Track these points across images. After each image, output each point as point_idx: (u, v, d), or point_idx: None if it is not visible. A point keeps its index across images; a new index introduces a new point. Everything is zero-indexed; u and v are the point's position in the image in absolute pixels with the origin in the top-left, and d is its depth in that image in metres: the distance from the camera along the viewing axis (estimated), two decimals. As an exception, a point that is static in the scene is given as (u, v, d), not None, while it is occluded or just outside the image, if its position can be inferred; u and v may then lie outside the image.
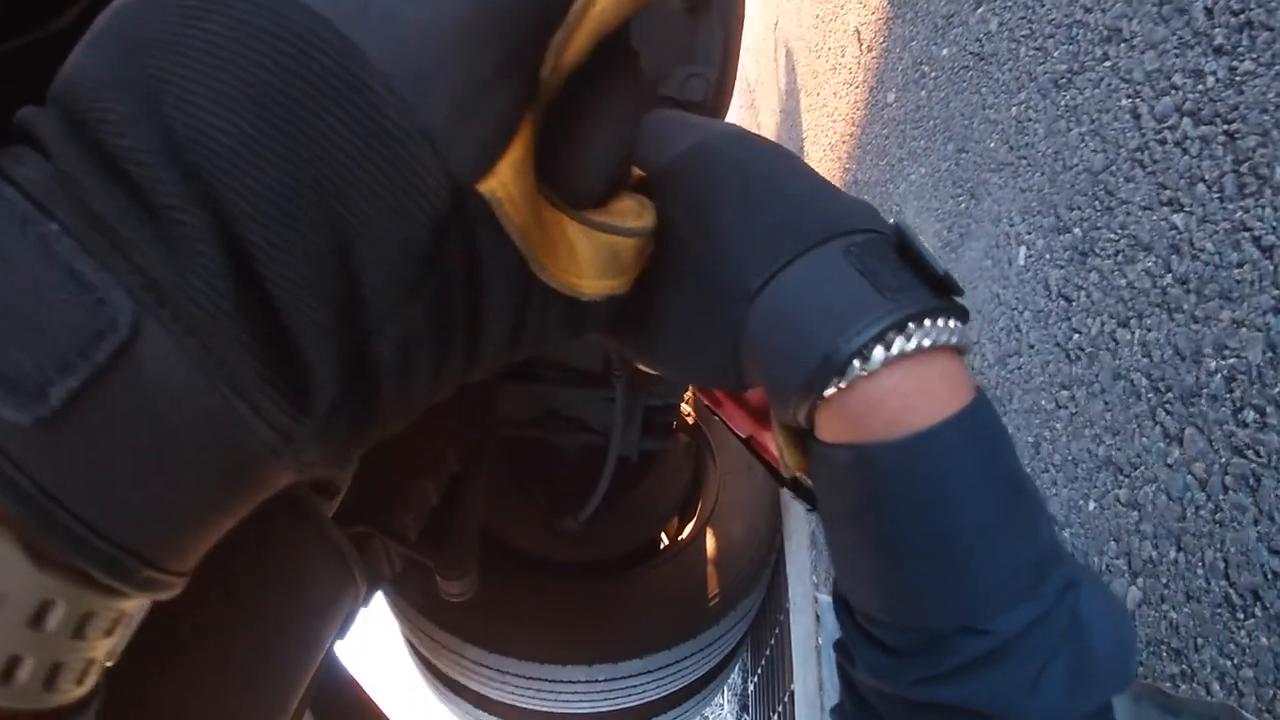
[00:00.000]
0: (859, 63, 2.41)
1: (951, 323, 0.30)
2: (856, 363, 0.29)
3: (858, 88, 2.38)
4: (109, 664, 0.25)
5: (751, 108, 4.91)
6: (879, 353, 0.29)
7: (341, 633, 0.90)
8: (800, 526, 2.20)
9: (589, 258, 0.28)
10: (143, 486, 0.22)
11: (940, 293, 0.30)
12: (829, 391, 0.30)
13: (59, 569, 0.22)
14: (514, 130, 0.23)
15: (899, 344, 0.29)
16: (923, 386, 0.29)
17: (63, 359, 0.20)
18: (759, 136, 0.37)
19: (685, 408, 2.50)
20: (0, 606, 0.21)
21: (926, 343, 0.29)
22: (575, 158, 0.28)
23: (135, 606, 0.25)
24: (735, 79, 1.28)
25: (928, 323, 0.29)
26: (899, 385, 0.29)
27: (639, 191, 0.32)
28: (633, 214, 0.30)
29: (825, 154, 2.66)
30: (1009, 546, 0.30)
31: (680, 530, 2.44)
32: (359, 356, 0.23)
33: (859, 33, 2.45)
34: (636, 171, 0.35)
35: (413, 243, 0.22)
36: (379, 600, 1.68)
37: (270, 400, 0.22)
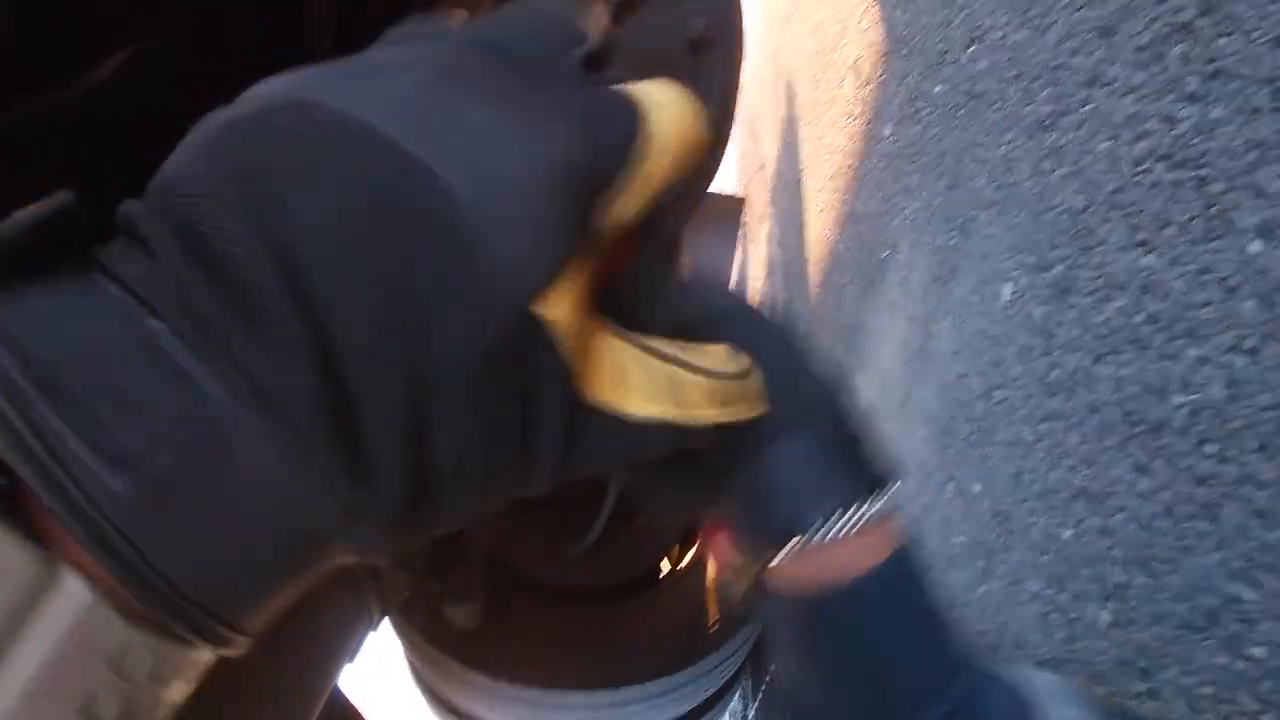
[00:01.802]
0: (857, 96, 2.46)
1: (885, 497, 0.40)
2: (810, 533, 0.39)
3: (855, 120, 2.43)
4: (178, 706, 0.29)
5: (753, 136, 4.95)
6: (828, 527, 0.39)
7: (352, 656, 0.94)
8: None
9: (639, 381, 0.32)
10: (228, 556, 0.26)
11: (881, 471, 0.41)
12: (785, 551, 0.40)
13: (144, 622, 0.25)
14: (571, 267, 0.27)
15: (842, 521, 0.39)
16: (856, 550, 0.39)
17: (164, 439, 0.23)
18: (763, 312, 0.45)
19: None
20: (86, 650, 0.24)
21: (863, 517, 0.39)
22: (636, 291, 0.35)
23: (209, 658, 0.28)
24: (734, 119, 1.32)
25: (866, 504, 0.39)
26: (839, 551, 0.39)
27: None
28: (715, 358, 0.35)
29: (824, 185, 2.70)
30: (919, 662, 0.39)
31: (681, 557, 2.46)
32: (421, 458, 0.26)
33: (857, 65, 2.50)
34: None
35: (479, 361, 0.26)
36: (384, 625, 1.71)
37: (344, 487, 0.25)
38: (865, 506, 0.39)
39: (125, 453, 0.23)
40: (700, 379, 0.34)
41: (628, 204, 0.29)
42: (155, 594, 0.24)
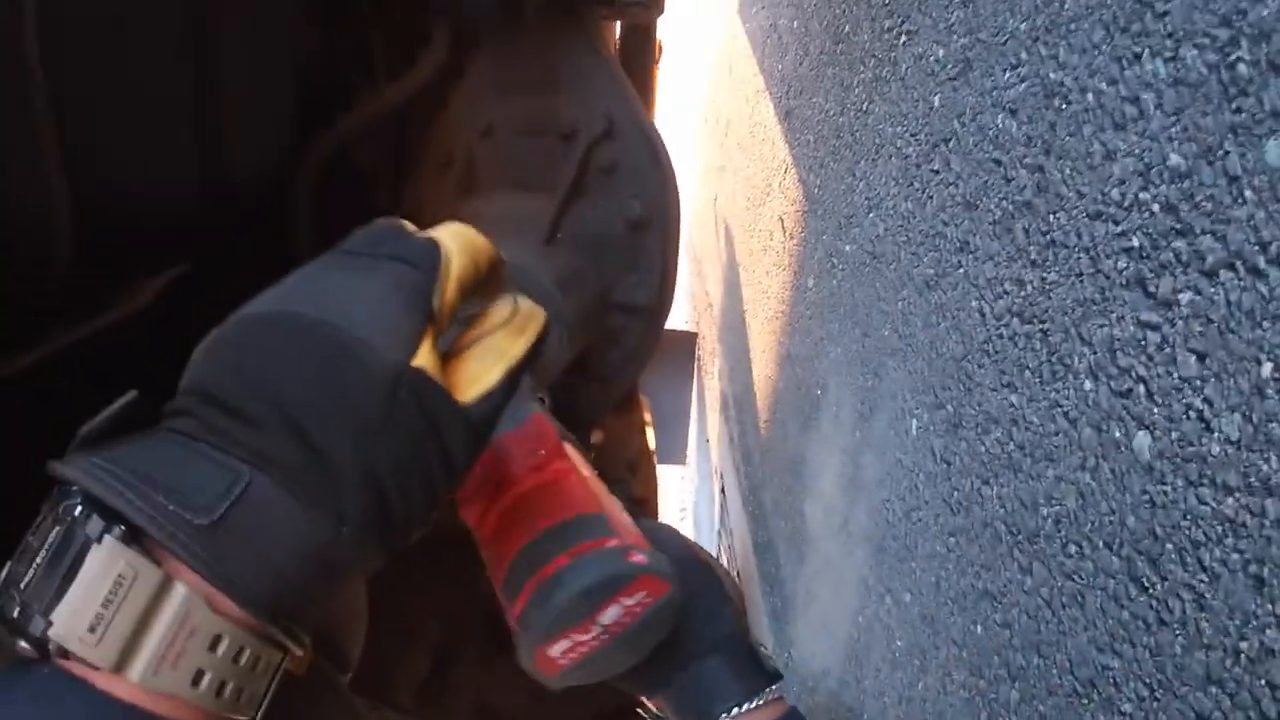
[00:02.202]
0: (784, 247, 2.72)
1: (773, 688, 0.73)
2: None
3: (784, 270, 2.68)
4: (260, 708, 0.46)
5: (700, 275, 5.19)
6: (737, 714, 0.72)
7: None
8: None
9: (478, 370, 0.49)
10: (270, 569, 0.42)
11: (772, 671, 0.74)
12: None
13: (229, 617, 0.41)
14: (423, 336, 0.46)
15: (747, 706, 0.71)
16: None
17: (220, 492, 0.41)
18: (699, 560, 0.82)
19: None
20: (191, 634, 0.41)
21: (759, 705, 0.71)
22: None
23: (274, 657, 0.46)
24: (675, 284, 1.52)
25: (763, 694, 0.72)
26: None
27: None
28: (499, 315, 0.53)
29: (763, 327, 2.94)
30: None
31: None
32: (373, 483, 0.44)
33: (782, 221, 2.77)
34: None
35: (386, 407, 0.44)
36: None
37: (326, 512, 0.44)
38: (761, 697, 0.71)
39: (199, 506, 0.40)
40: (499, 332, 0.52)
41: (449, 292, 0.48)
42: (227, 589, 0.41)
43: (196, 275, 0.99)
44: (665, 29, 1.94)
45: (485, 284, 0.52)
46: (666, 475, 4.76)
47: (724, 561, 3.17)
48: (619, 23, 1.79)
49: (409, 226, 0.51)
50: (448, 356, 0.49)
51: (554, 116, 1.36)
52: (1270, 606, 0.76)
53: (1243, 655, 0.78)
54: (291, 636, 0.45)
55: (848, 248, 1.97)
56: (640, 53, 1.80)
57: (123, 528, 0.39)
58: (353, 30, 1.37)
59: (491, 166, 1.37)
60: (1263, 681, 0.76)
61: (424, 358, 0.46)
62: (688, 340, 4.38)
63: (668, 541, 0.76)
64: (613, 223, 1.40)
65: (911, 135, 1.62)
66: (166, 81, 0.92)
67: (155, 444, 0.43)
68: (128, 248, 0.93)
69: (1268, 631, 0.76)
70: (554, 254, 1.30)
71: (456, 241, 0.50)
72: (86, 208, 0.83)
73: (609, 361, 1.49)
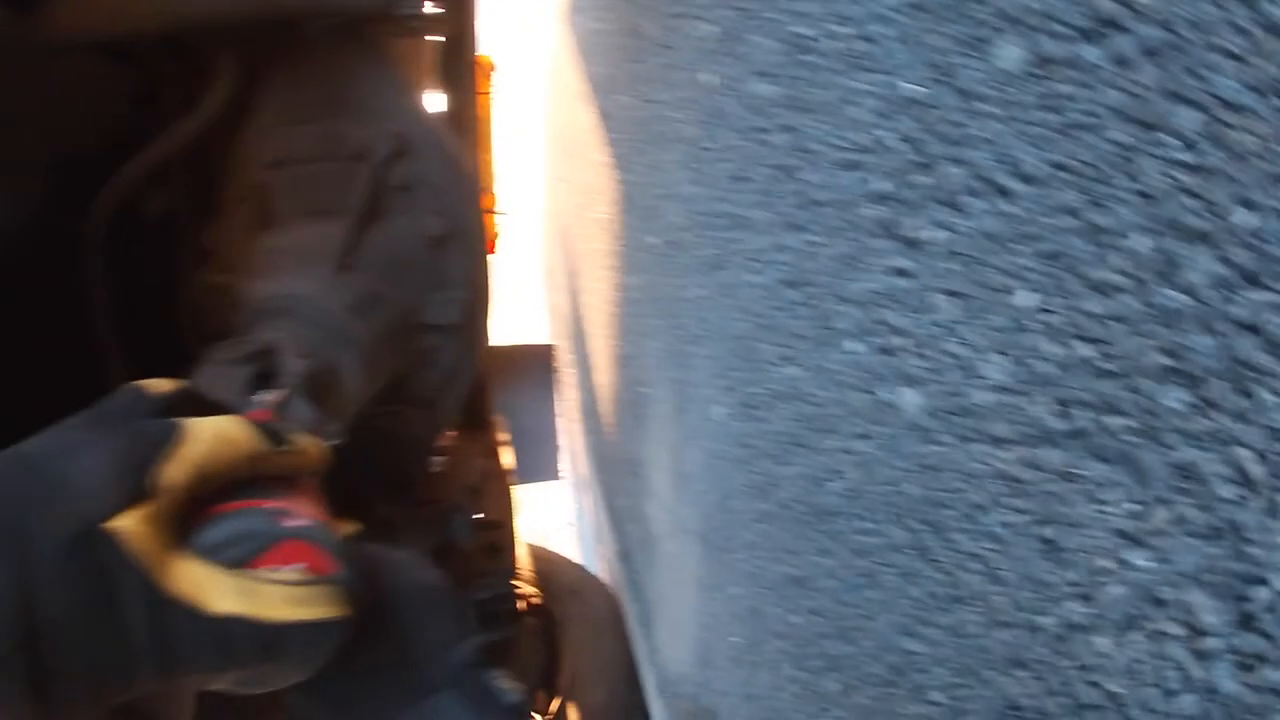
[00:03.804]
0: (609, 249, 2.66)
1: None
2: None
3: (608, 270, 2.63)
4: None
5: (552, 288, 5.16)
6: None
7: None
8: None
9: (217, 585, 0.47)
10: None
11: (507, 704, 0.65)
12: None
13: None
14: (134, 505, 0.45)
15: None
16: None
17: None
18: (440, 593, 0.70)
19: (528, 588, 2.58)
20: None
21: None
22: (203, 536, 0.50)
23: None
24: (488, 298, 1.46)
25: None
26: None
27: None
28: (292, 571, 0.51)
29: (599, 331, 2.89)
30: None
31: (546, 708, 2.50)
32: (25, 616, 0.41)
33: (605, 222, 2.71)
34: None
35: (54, 546, 0.43)
36: None
37: None
38: None
39: None
40: (275, 586, 0.48)
41: (172, 473, 0.47)
42: None
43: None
44: (501, 47, 1.91)
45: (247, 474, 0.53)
46: (553, 492, 4.72)
47: (603, 574, 3.10)
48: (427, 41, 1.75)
49: (156, 396, 0.53)
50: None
51: (343, 139, 1.33)
52: (1064, 574, 0.69)
53: (1045, 632, 0.71)
54: None
55: (652, 240, 1.90)
56: (455, 68, 1.76)
57: None
58: (137, 67, 1.32)
59: (285, 197, 1.32)
60: (1069, 662, 0.69)
61: (131, 524, 0.45)
62: (545, 353, 4.32)
63: (398, 567, 0.70)
64: (413, 241, 1.37)
65: (691, 117, 1.56)
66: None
67: None
68: None
69: (1067, 604, 0.68)
70: (348, 280, 1.25)
71: (212, 430, 0.51)
72: None
73: (428, 383, 1.45)
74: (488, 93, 2.00)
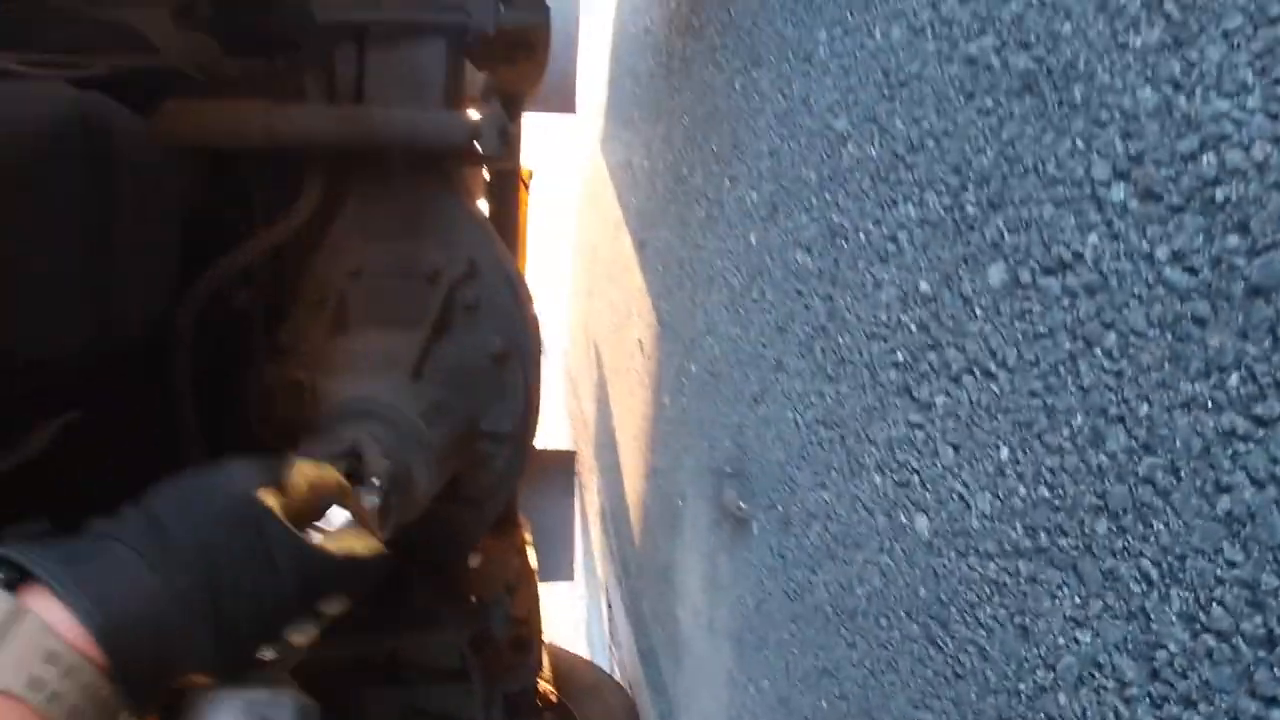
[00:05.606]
0: (644, 367, 2.91)
1: None
2: None
3: (644, 388, 2.87)
4: None
5: (576, 395, 5.34)
6: None
7: None
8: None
9: (326, 543, 0.72)
10: (106, 599, 0.58)
11: None
12: None
13: (68, 640, 0.56)
14: (270, 490, 0.68)
15: None
16: None
17: (85, 550, 0.60)
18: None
19: (546, 685, 2.73)
20: (36, 650, 0.53)
21: None
22: None
23: (110, 694, 0.56)
24: (539, 410, 1.63)
25: None
26: None
27: None
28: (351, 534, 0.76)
29: (631, 442, 3.11)
30: None
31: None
32: (204, 565, 0.63)
33: (641, 343, 2.96)
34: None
35: (221, 510, 0.66)
36: None
37: (160, 575, 0.61)
38: None
39: (63, 554, 0.58)
40: (354, 538, 0.73)
41: (295, 477, 0.73)
42: (68, 601, 0.56)
43: (85, 420, 1.05)
44: (537, 157, 2.07)
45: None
46: (561, 592, 4.82)
47: (615, 674, 3.24)
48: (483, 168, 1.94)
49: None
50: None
51: (419, 259, 1.45)
52: (1035, 650, 0.93)
53: (1022, 695, 0.95)
54: (132, 699, 0.57)
55: (693, 367, 2.16)
56: (506, 194, 1.97)
57: (18, 575, 0.55)
58: (234, 175, 1.45)
59: (361, 306, 1.45)
60: (1041, 715, 0.92)
61: (270, 500, 0.66)
62: (567, 459, 4.46)
63: None
64: (477, 357, 1.51)
65: (736, 268, 1.84)
66: (62, 241, 0.97)
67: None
68: (19, 400, 0.98)
69: (1038, 673, 0.93)
70: (421, 388, 1.38)
71: (315, 465, 0.75)
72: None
73: (480, 485, 1.55)
74: (525, 201, 2.18)
